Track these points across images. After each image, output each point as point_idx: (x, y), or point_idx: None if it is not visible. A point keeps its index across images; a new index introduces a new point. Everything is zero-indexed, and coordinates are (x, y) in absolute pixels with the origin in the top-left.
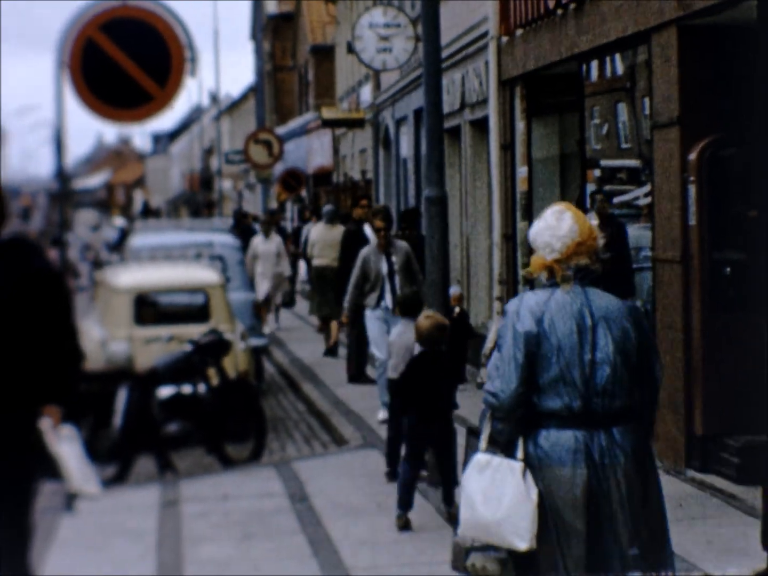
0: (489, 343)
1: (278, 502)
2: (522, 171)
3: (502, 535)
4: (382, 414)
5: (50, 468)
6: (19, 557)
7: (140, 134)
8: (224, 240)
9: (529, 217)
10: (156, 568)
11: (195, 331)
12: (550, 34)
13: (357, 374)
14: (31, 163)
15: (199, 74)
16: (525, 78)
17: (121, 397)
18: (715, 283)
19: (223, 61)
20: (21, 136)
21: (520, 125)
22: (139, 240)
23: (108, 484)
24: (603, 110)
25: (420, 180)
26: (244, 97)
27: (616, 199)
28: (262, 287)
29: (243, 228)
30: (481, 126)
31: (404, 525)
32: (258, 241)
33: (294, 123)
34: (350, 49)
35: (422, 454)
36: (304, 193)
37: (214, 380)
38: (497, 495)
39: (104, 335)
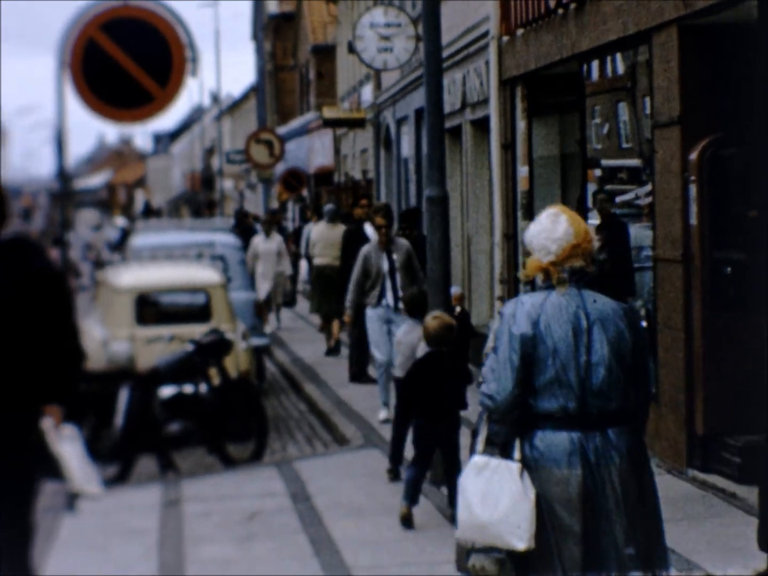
0: (490, 343)
1: (280, 501)
2: (523, 170)
3: (501, 536)
4: (383, 414)
5: (52, 468)
6: (20, 557)
7: (141, 134)
8: (225, 240)
9: (530, 216)
10: (157, 568)
11: (196, 330)
12: (550, 34)
13: (358, 374)
14: (33, 162)
15: (200, 74)
16: (526, 78)
17: (123, 396)
18: (716, 282)
19: (224, 60)
20: (22, 136)
21: (521, 125)
22: (140, 240)
23: (109, 483)
24: (604, 110)
25: (421, 180)
26: (245, 97)
27: (619, 199)
28: (263, 287)
29: (244, 228)
30: (482, 126)
31: (407, 516)
32: (259, 241)
33: (295, 123)
34: (351, 48)
35: (430, 455)
36: (305, 192)
37: (216, 380)
38: (495, 496)
39: (106, 335)
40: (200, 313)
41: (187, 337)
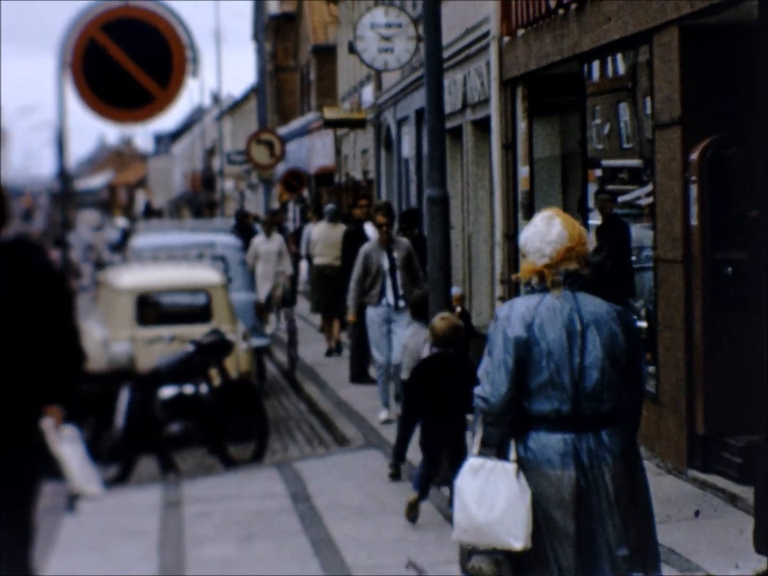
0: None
1: (280, 502)
2: (523, 171)
3: (498, 536)
4: (384, 414)
5: (52, 468)
6: (20, 558)
7: (142, 134)
8: (226, 240)
9: (531, 217)
10: (158, 569)
11: (197, 331)
12: (551, 34)
13: (359, 374)
14: (33, 163)
15: (200, 74)
16: (526, 78)
17: (123, 397)
18: (717, 282)
19: (225, 61)
20: (23, 137)
21: (522, 125)
22: (141, 240)
23: (110, 484)
24: (604, 110)
25: (421, 180)
26: (245, 98)
27: (620, 199)
28: (264, 287)
29: (245, 228)
30: (482, 126)
31: (414, 504)
32: (259, 241)
33: (296, 123)
34: (352, 49)
35: (438, 456)
36: (305, 193)
37: (216, 381)
38: (491, 497)
39: (106, 336)
40: (201, 314)
41: (187, 337)
